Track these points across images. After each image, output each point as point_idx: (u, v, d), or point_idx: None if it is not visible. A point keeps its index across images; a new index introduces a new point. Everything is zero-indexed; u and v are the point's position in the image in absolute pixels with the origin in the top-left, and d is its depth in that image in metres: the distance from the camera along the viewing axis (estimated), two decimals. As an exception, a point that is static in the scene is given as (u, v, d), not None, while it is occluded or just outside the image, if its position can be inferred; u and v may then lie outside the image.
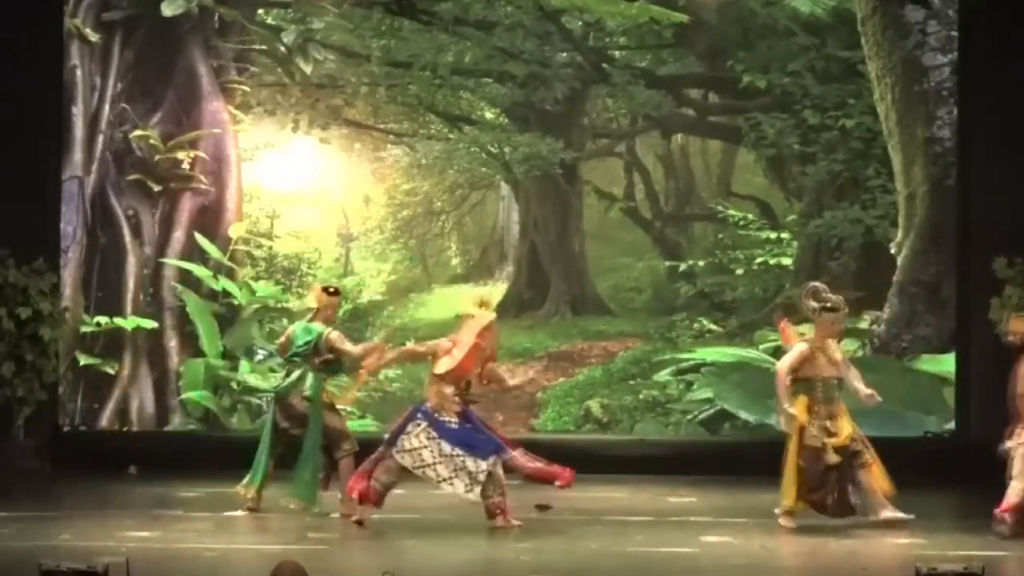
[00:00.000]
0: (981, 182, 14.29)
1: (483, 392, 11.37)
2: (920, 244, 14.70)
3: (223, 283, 14.93)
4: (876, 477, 10.99)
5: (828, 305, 11.19)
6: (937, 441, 14.19)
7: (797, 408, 10.86)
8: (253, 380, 14.72)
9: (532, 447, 14.30)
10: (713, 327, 14.90)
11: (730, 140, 15.32)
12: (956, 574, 7.39)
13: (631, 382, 14.98)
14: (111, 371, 14.86)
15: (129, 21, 15.11)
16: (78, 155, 14.86)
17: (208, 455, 13.67)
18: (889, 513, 10.93)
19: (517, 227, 15.56)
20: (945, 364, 14.45)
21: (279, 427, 11.44)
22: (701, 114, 15.56)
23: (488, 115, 15.50)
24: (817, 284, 11.49)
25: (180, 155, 15.03)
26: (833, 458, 10.81)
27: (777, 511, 10.99)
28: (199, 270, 14.99)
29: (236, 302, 14.96)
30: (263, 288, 15.02)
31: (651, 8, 15.03)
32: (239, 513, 11.38)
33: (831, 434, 10.87)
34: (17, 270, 13.92)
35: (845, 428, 10.94)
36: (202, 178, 15.08)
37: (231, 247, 15.03)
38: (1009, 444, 10.74)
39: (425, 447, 10.68)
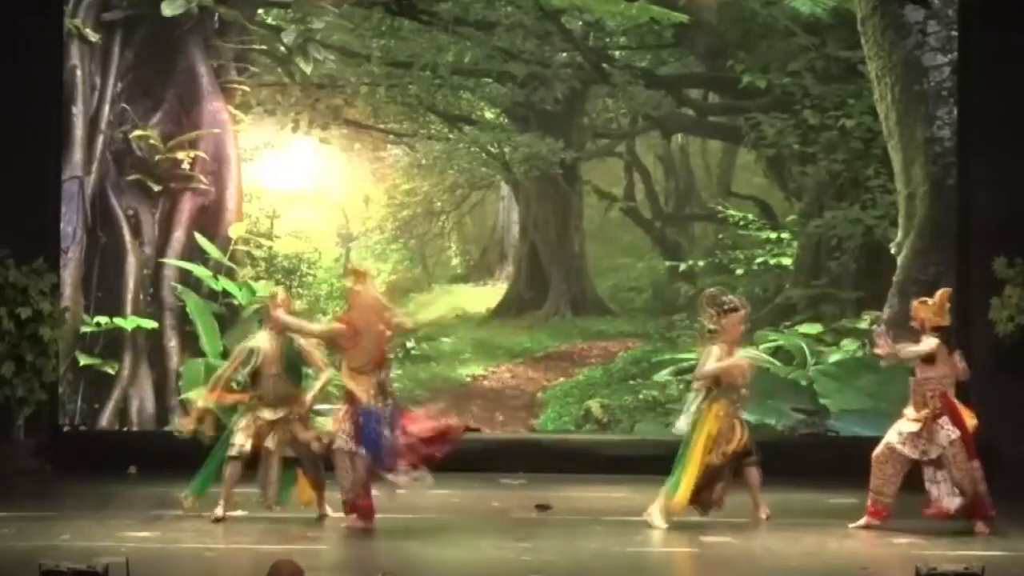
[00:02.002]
0: (981, 182, 14.29)
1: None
2: (920, 244, 14.70)
3: (223, 283, 14.93)
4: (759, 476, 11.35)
5: (728, 307, 11.25)
6: (937, 441, 14.17)
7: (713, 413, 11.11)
8: (253, 380, 14.72)
9: (532, 447, 14.41)
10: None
11: (730, 140, 15.32)
12: (956, 574, 7.38)
13: (631, 382, 14.98)
14: (111, 371, 14.86)
15: (129, 21, 15.11)
16: (78, 155, 14.86)
17: (208, 455, 13.64)
18: (765, 510, 11.33)
19: (517, 227, 15.56)
20: (945, 364, 14.43)
21: None
22: (701, 114, 15.56)
23: (488, 115, 15.49)
24: (712, 290, 11.61)
25: (180, 155, 15.03)
26: (720, 460, 11.12)
27: (657, 508, 11.05)
28: (199, 270, 14.99)
29: (236, 302, 14.96)
30: (263, 288, 15.01)
31: (651, 8, 15.03)
32: (239, 513, 11.37)
33: (730, 440, 11.13)
34: (17, 270, 13.93)
35: (741, 431, 11.22)
36: (202, 178, 15.08)
37: (231, 247, 15.03)
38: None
39: None
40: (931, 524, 10.99)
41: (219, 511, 11.06)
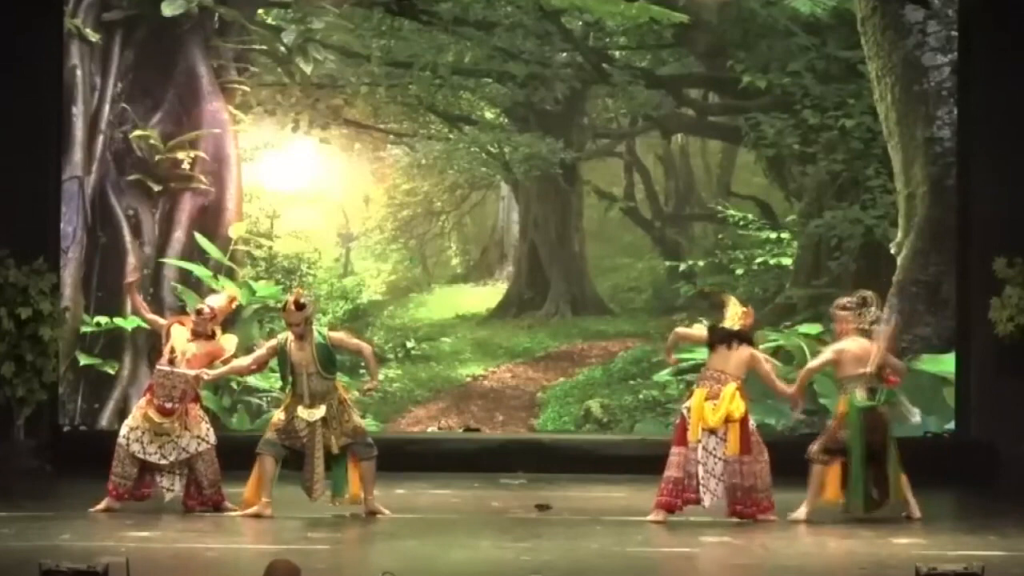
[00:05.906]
0: (981, 182, 14.29)
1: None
2: (920, 244, 14.70)
3: (223, 283, 14.92)
4: None
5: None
6: (937, 441, 14.19)
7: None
8: (253, 380, 14.71)
9: (532, 447, 14.41)
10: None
11: (730, 140, 15.33)
12: (956, 574, 7.37)
13: (631, 382, 14.98)
14: (111, 371, 14.86)
15: (129, 21, 15.11)
16: (78, 155, 14.86)
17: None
18: None
19: (517, 227, 15.57)
20: (945, 364, 14.45)
21: None
22: (701, 114, 15.57)
23: (488, 115, 15.50)
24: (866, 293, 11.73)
25: (180, 155, 15.04)
26: None
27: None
28: (199, 270, 14.99)
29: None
30: (263, 288, 15.03)
31: (651, 8, 15.04)
32: (237, 513, 11.37)
33: None
34: (17, 270, 13.92)
35: None
36: (202, 178, 15.08)
37: (231, 247, 15.04)
38: None
39: None
40: (931, 524, 11.04)
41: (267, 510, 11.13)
